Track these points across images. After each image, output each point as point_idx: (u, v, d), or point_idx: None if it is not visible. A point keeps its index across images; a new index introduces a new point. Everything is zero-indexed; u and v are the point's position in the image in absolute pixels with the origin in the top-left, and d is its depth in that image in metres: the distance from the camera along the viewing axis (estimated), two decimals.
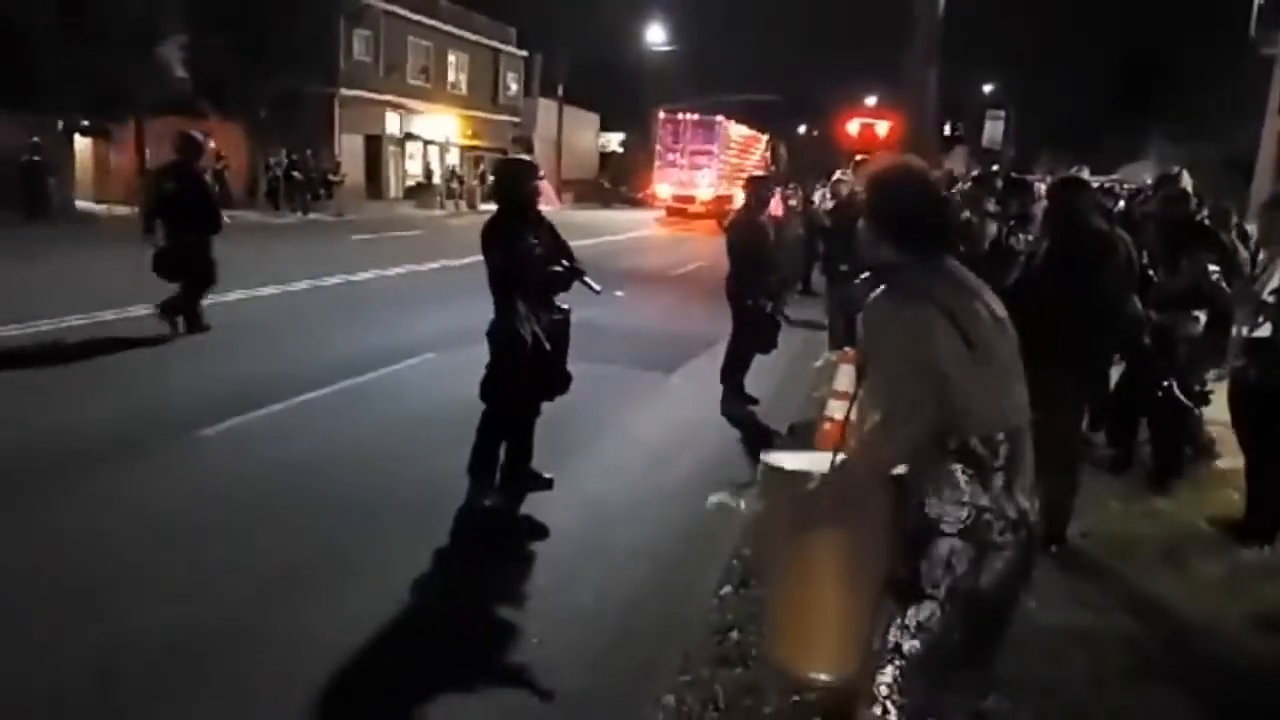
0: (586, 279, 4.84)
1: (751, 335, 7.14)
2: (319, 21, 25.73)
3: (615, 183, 43.90)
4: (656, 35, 43.76)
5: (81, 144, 22.24)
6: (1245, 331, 4.48)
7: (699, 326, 9.85)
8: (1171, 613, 3.82)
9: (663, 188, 33.02)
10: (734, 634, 3.44)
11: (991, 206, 6.66)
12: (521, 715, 3.16)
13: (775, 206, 10.25)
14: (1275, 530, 4.46)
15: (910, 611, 2.03)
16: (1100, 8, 50.01)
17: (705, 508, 2.39)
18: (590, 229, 22.92)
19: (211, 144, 16.52)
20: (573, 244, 4.94)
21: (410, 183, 33.98)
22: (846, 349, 6.73)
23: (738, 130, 35.01)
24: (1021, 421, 2.10)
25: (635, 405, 7.30)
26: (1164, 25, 39.84)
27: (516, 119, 40.75)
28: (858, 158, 9.65)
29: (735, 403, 7.15)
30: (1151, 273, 5.44)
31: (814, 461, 2.26)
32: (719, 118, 33.08)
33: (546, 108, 41.47)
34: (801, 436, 6.09)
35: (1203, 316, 5.22)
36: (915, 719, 2.03)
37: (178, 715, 3.04)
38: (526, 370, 4.58)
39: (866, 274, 2.22)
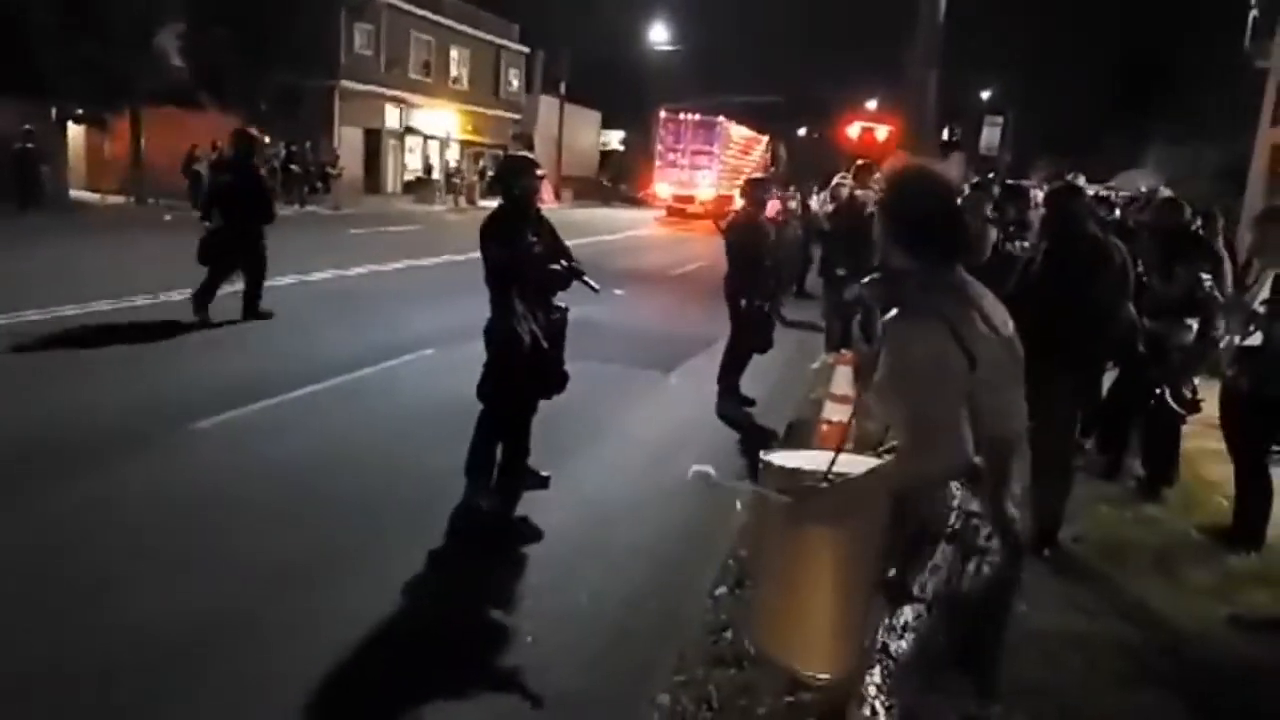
0: (586, 278, 4.84)
1: (748, 335, 7.17)
2: (320, 14, 25.67)
3: (615, 181, 43.89)
4: (659, 34, 43.76)
5: (75, 132, 22.12)
6: (1237, 341, 4.53)
7: (698, 326, 9.88)
8: (1162, 617, 3.86)
9: (663, 187, 33.05)
10: (729, 634, 3.46)
11: (989, 212, 6.70)
12: (515, 716, 3.17)
13: (773, 208, 10.28)
14: (1263, 537, 4.52)
15: (898, 613, 2.05)
16: (1098, 13, 50.14)
17: (687, 478, 2.38)
18: (589, 227, 22.93)
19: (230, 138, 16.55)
20: (572, 242, 4.95)
21: (409, 177, 33.93)
22: (843, 351, 6.78)
23: (738, 131, 35.04)
24: (1018, 430, 2.11)
25: (633, 404, 7.32)
26: (1162, 32, 39.99)
27: (517, 115, 40.71)
28: (858, 161, 9.67)
29: (731, 404, 7.18)
30: (1145, 279, 5.48)
31: (811, 461, 2.28)
32: (720, 118, 33.11)
33: (548, 105, 41.44)
34: (798, 438, 6.12)
35: (1195, 324, 5.27)
36: (903, 719, 2.05)
37: (174, 709, 3.04)
38: (524, 369, 4.58)
39: (874, 275, 2.21)
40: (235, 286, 8.98)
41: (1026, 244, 6.27)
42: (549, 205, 20.61)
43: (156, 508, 4.51)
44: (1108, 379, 5.61)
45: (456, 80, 37.37)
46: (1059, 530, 4.44)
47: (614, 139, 50.52)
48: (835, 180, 10.61)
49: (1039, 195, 6.64)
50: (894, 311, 2.05)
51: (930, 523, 2.04)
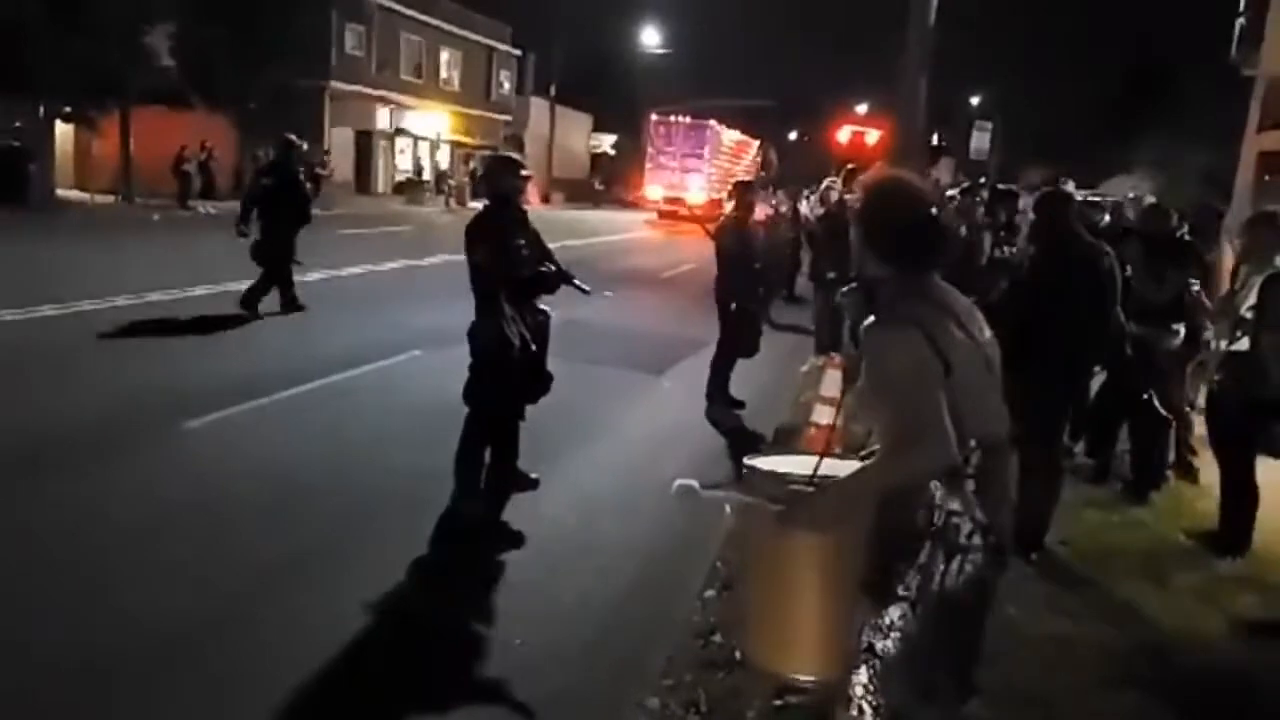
0: (575, 280, 4.83)
1: (735, 339, 7.17)
2: (311, 15, 25.58)
3: (606, 184, 43.89)
4: (651, 38, 43.85)
5: (63, 131, 21.97)
6: (1224, 346, 4.56)
7: (688, 328, 9.87)
8: (1149, 621, 3.87)
9: (654, 190, 33.04)
10: (718, 637, 3.46)
11: (981, 217, 6.74)
12: (503, 719, 3.15)
13: (761, 212, 10.31)
14: (1249, 541, 4.54)
15: (883, 613, 2.06)
16: (1088, 21, 50.46)
17: (670, 493, 2.39)
18: (581, 230, 22.92)
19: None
20: (563, 244, 4.95)
21: (400, 178, 33.86)
22: (833, 354, 6.79)
23: (729, 135, 35.07)
24: (996, 431, 2.13)
25: (624, 406, 7.32)
26: (1151, 40, 40.31)
27: (508, 117, 40.68)
28: (848, 165, 9.71)
29: (720, 406, 7.17)
30: (1133, 283, 5.51)
31: (796, 465, 2.28)
32: (711, 122, 33.14)
33: (539, 107, 41.43)
34: (787, 441, 6.12)
35: (1182, 330, 5.31)
36: None
37: (164, 706, 3.03)
38: (516, 373, 4.56)
39: (852, 285, 2.23)
40: (231, 286, 8.93)
41: (1015, 249, 6.31)
42: (534, 207, 20.58)
43: (146, 507, 4.48)
44: (1095, 383, 5.65)
45: (447, 82, 37.33)
46: (1046, 534, 4.45)
47: (605, 142, 50.54)
48: (825, 184, 10.66)
49: (1023, 203, 6.68)
50: (870, 320, 2.09)
51: (913, 522, 2.05)
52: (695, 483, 2.34)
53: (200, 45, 22.31)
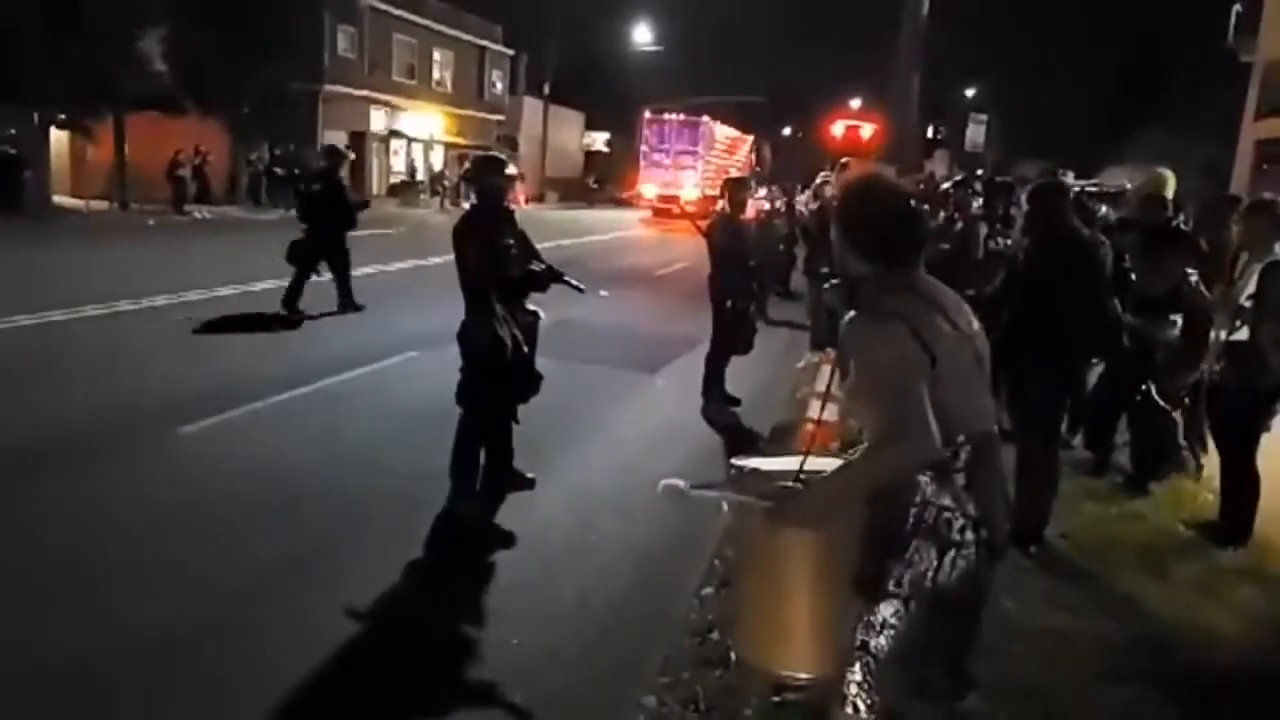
0: (568, 279, 4.81)
1: (729, 336, 7.15)
2: (304, 17, 25.51)
3: (600, 183, 43.85)
4: (643, 35, 43.76)
5: (58, 137, 21.95)
6: (1223, 335, 4.53)
7: (683, 326, 9.85)
8: (1148, 614, 3.85)
9: (648, 188, 33.00)
10: (715, 635, 3.44)
11: (977, 209, 6.72)
12: (500, 718, 3.13)
13: (753, 208, 10.29)
14: (1249, 532, 4.52)
15: (876, 609, 2.05)
16: (1083, 11, 50.44)
17: (656, 492, 2.39)
18: (574, 228, 22.91)
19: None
20: (556, 243, 4.95)
21: (394, 180, 33.79)
22: (829, 350, 6.77)
23: (723, 131, 35.04)
24: (984, 427, 2.12)
25: (619, 404, 7.29)
26: (1147, 29, 40.27)
27: (501, 117, 40.61)
28: (842, 160, 9.69)
29: (716, 404, 7.15)
30: (1132, 275, 5.49)
31: (783, 464, 2.27)
32: (704, 118, 33.10)
33: (532, 106, 41.36)
34: (784, 438, 6.10)
35: (1179, 320, 5.28)
36: (885, 717, 2.04)
37: (161, 709, 3.03)
38: (511, 374, 4.54)
39: (835, 282, 2.22)
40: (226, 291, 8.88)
41: (1010, 240, 6.29)
42: (522, 207, 20.55)
43: (145, 509, 4.48)
44: (1093, 375, 5.63)
45: (440, 83, 37.23)
46: (1045, 527, 4.43)
47: (599, 140, 50.49)
48: (819, 179, 10.64)
49: (1021, 196, 6.66)
50: (851, 315, 2.09)
51: (904, 519, 2.03)
52: (681, 482, 2.34)
53: (192, 49, 22.23)
